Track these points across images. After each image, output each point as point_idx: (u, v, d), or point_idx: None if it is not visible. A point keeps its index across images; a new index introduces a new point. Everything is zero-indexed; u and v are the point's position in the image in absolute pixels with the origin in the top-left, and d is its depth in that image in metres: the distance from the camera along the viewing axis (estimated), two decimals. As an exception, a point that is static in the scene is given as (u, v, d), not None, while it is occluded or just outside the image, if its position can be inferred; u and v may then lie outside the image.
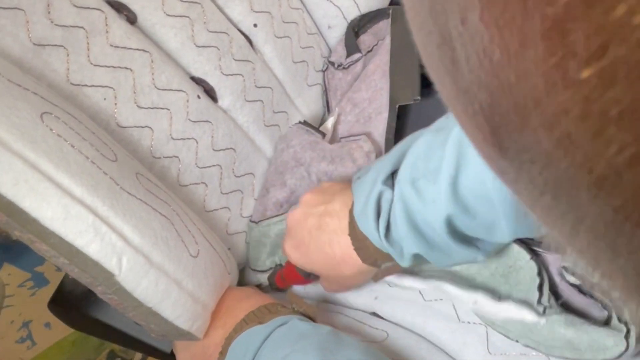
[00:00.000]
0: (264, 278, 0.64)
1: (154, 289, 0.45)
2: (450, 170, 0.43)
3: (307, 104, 0.75)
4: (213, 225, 0.60)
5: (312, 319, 0.51)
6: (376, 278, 0.56)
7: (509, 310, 0.50)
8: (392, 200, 0.48)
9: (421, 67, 0.69)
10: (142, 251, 0.44)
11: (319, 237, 0.53)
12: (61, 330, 1.13)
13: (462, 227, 0.45)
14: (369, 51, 0.76)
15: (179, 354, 0.56)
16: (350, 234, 0.51)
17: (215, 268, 0.53)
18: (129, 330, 0.65)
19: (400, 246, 0.48)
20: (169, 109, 0.56)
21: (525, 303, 0.50)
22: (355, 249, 0.51)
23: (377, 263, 0.52)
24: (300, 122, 0.69)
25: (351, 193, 0.52)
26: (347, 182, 0.55)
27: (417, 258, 0.49)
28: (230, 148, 0.62)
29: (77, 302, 0.68)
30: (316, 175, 0.64)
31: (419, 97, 0.69)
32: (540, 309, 0.49)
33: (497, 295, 0.52)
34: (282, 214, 0.63)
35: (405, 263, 0.49)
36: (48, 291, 1.17)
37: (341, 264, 0.52)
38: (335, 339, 0.46)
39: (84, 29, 0.50)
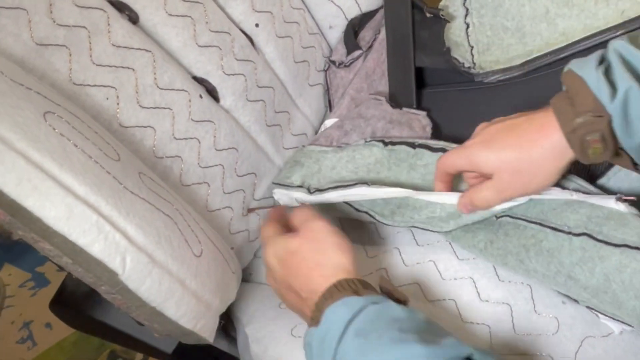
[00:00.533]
0: (281, 194, 0.65)
1: (157, 288, 0.45)
2: None
3: (309, 104, 0.76)
4: (216, 225, 0.60)
5: (403, 303, 0.47)
6: (571, 139, 0.47)
7: None
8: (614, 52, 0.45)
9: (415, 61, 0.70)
10: (146, 250, 0.44)
11: (514, 125, 0.50)
12: (62, 330, 1.13)
13: None
14: (369, 47, 0.76)
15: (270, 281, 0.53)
16: (555, 98, 0.47)
17: (219, 267, 0.53)
18: (130, 331, 0.66)
19: (620, 90, 0.43)
20: (171, 109, 0.56)
21: None
22: (556, 110, 0.47)
23: (573, 119, 0.46)
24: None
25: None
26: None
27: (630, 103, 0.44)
28: (233, 148, 0.62)
29: (79, 302, 0.68)
30: (372, 129, 0.67)
31: (414, 105, 0.70)
32: None
33: None
34: (328, 147, 0.67)
35: (615, 109, 0.44)
36: (49, 291, 1.17)
37: (532, 141, 0.48)
38: (432, 326, 0.43)
39: (86, 28, 0.50)
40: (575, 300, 0.52)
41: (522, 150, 0.49)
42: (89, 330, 0.75)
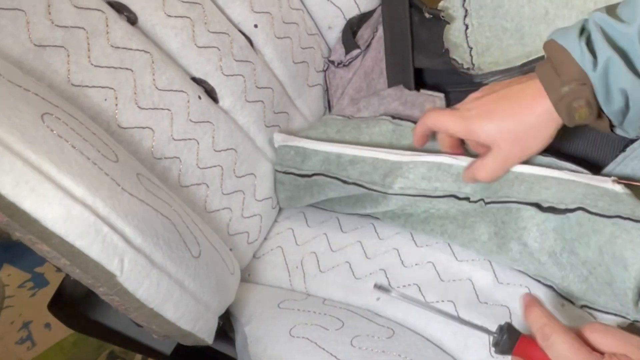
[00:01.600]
0: (280, 138, 0.67)
1: (155, 290, 0.45)
2: None
3: (308, 105, 0.75)
4: (214, 226, 0.60)
5: None
6: (558, 107, 0.50)
7: None
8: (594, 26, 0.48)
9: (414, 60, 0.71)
10: (144, 252, 0.44)
11: (507, 95, 0.53)
12: (61, 331, 1.13)
13: None
14: (367, 45, 0.76)
15: None
16: (539, 68, 0.51)
17: (217, 268, 0.53)
18: (128, 332, 0.65)
19: (601, 60, 0.47)
20: (169, 110, 0.56)
21: None
22: (542, 80, 0.50)
23: (559, 88, 0.49)
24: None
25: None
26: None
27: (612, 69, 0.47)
28: (231, 149, 0.62)
29: (78, 303, 0.68)
30: (385, 107, 0.69)
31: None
32: None
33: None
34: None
35: (596, 78, 0.47)
36: (48, 292, 1.17)
37: (527, 108, 0.51)
38: None
39: (85, 29, 0.50)
40: (572, 302, 0.52)
41: (518, 119, 0.52)
42: (88, 332, 0.75)
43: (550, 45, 0.50)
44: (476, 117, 0.54)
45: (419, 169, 0.58)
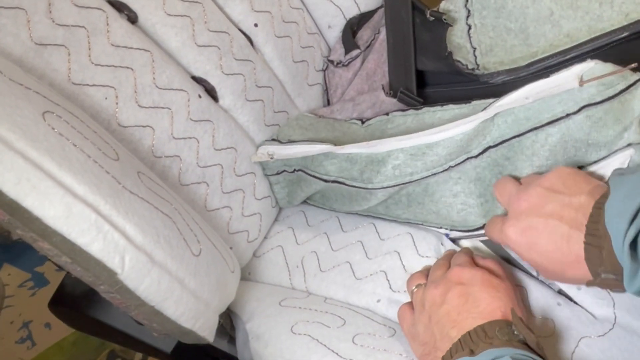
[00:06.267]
0: (259, 152, 0.66)
1: (156, 288, 0.45)
2: None
3: (308, 104, 0.76)
4: (215, 225, 0.60)
5: (537, 353, 0.44)
6: (590, 284, 0.48)
7: None
8: None
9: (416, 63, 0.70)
10: (145, 249, 0.44)
11: (556, 228, 0.47)
12: (61, 330, 1.13)
13: None
14: (367, 46, 0.76)
15: (410, 341, 0.52)
16: (587, 226, 0.45)
17: (218, 267, 0.53)
18: (129, 330, 0.66)
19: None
20: (170, 109, 0.56)
21: None
22: (585, 247, 0.45)
23: (599, 273, 0.45)
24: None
25: (602, 188, 0.47)
26: (594, 180, 0.50)
27: None
28: (231, 147, 0.62)
29: (78, 302, 0.68)
30: (358, 113, 0.70)
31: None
32: None
33: None
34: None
35: (632, 288, 0.43)
36: (48, 291, 1.17)
37: (569, 265, 0.47)
38: None
39: (85, 28, 0.50)
40: (572, 300, 0.52)
41: (555, 267, 0.48)
42: (88, 330, 0.76)
43: (600, 216, 0.45)
44: (516, 231, 0.50)
45: (390, 159, 0.59)
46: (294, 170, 0.65)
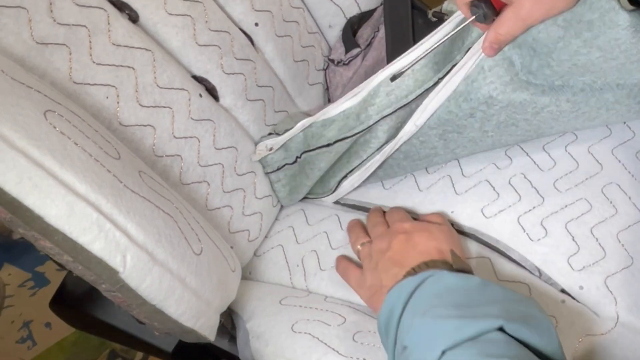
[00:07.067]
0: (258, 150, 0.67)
1: (157, 286, 0.45)
2: None
3: (308, 103, 0.76)
4: (216, 224, 0.60)
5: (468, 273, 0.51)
6: None
7: None
8: None
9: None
10: (146, 248, 0.44)
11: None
12: (62, 330, 1.13)
13: None
14: (368, 45, 0.76)
15: (359, 290, 0.58)
16: None
17: (219, 266, 0.53)
18: (130, 330, 0.66)
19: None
20: (171, 108, 0.56)
21: None
22: None
23: None
24: None
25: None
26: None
27: None
28: (232, 147, 0.62)
29: (79, 301, 0.68)
30: None
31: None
32: None
33: None
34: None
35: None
36: (48, 291, 1.17)
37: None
38: (480, 294, 0.46)
39: (87, 27, 0.50)
40: (573, 297, 0.52)
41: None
42: (89, 329, 0.75)
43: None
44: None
45: (381, 89, 0.60)
46: (296, 159, 0.65)
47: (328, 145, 0.63)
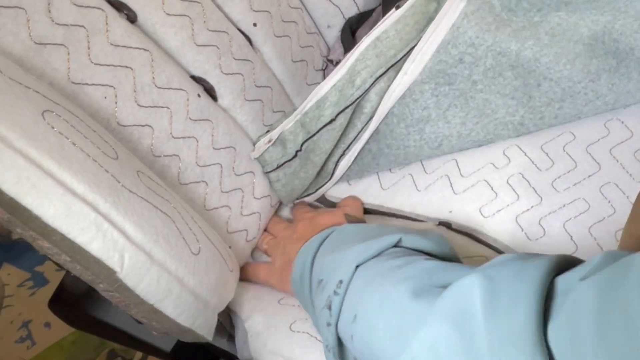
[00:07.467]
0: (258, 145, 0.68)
1: (155, 286, 0.45)
2: None
3: (307, 103, 0.76)
4: (214, 224, 0.60)
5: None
6: None
7: None
8: None
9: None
10: (144, 248, 0.44)
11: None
12: (61, 329, 1.13)
13: None
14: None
15: (269, 279, 0.62)
16: None
17: (217, 266, 0.53)
18: (129, 329, 0.66)
19: None
20: (169, 108, 0.56)
21: None
22: None
23: None
24: None
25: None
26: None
27: None
28: (231, 147, 0.63)
29: (78, 301, 0.68)
30: None
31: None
32: None
33: None
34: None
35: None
36: (48, 291, 1.17)
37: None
38: (379, 229, 0.52)
39: (85, 27, 0.51)
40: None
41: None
42: (88, 329, 0.76)
43: None
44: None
45: (369, 52, 0.62)
46: (296, 153, 0.65)
47: (331, 121, 0.64)
